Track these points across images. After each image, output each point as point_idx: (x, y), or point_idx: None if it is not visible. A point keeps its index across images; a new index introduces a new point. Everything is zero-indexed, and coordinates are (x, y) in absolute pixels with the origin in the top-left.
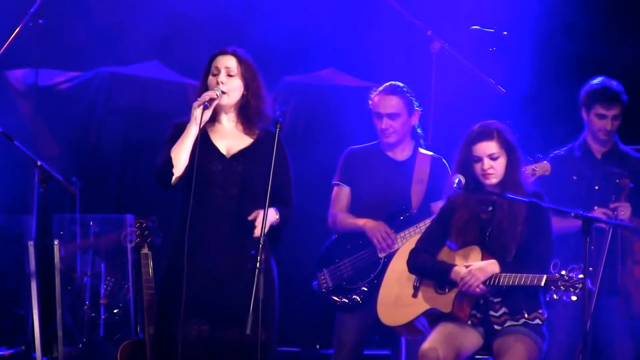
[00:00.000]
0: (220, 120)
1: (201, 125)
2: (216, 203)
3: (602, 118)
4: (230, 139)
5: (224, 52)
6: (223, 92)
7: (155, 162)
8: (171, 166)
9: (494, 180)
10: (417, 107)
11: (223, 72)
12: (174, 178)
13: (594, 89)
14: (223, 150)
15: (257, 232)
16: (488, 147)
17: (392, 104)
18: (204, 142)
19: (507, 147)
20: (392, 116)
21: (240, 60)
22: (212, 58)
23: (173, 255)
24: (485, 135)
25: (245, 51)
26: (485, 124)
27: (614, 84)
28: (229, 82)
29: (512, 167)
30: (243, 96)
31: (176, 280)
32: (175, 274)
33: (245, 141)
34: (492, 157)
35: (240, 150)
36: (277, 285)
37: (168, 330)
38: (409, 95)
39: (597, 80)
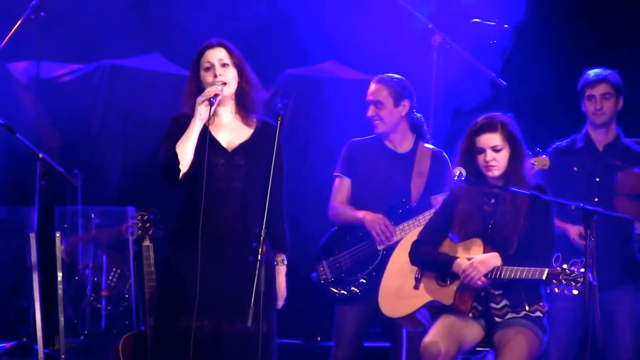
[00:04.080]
0: (218, 113)
1: (206, 120)
2: (219, 196)
3: (591, 99)
4: (229, 131)
5: (211, 46)
6: (224, 84)
7: (160, 158)
8: (177, 162)
9: (496, 172)
10: (408, 98)
11: (217, 65)
12: (181, 174)
13: (583, 76)
14: (224, 144)
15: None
16: (491, 139)
17: (377, 92)
18: (204, 136)
19: (511, 140)
20: (376, 104)
21: (229, 50)
22: (201, 53)
23: (174, 249)
24: (489, 127)
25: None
26: (489, 116)
27: (607, 71)
28: (225, 72)
29: (515, 160)
30: (239, 85)
31: (178, 274)
32: (177, 267)
33: (245, 133)
34: (495, 149)
35: (241, 143)
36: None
37: (171, 325)
38: (397, 85)
39: (589, 70)
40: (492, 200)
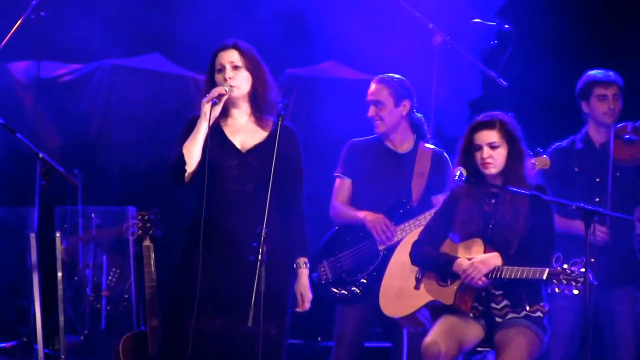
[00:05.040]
0: (233, 115)
1: (211, 121)
2: (231, 197)
3: (604, 99)
4: (244, 133)
5: (225, 47)
6: (232, 86)
7: (169, 159)
8: (184, 163)
9: (492, 170)
10: (408, 98)
11: (228, 67)
12: (186, 174)
13: (590, 76)
14: (238, 145)
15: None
16: (489, 136)
17: (377, 92)
18: (218, 137)
19: (509, 138)
20: (376, 104)
21: (242, 52)
22: (215, 54)
23: (188, 249)
24: (487, 124)
25: (246, 42)
26: (489, 114)
27: (610, 72)
28: (236, 75)
29: (513, 159)
30: (252, 87)
31: (191, 275)
32: (190, 268)
33: (259, 135)
34: (492, 146)
35: (255, 145)
36: (292, 280)
37: (182, 325)
38: (397, 85)
39: (591, 71)
40: (493, 200)
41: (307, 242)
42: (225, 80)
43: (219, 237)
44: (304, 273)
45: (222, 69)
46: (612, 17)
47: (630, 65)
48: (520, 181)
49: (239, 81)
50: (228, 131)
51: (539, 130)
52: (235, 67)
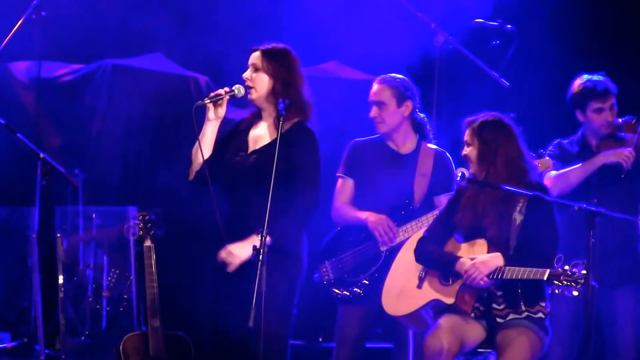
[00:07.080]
0: (262, 116)
1: (217, 121)
2: (236, 196)
3: (600, 112)
4: (260, 135)
5: (255, 49)
6: (250, 87)
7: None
8: (189, 162)
9: (471, 166)
10: (410, 99)
11: (250, 69)
12: (189, 171)
13: (583, 88)
14: (250, 146)
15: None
16: (466, 134)
17: (379, 92)
18: (240, 136)
19: (480, 139)
20: (378, 104)
21: (265, 55)
22: (249, 55)
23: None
24: (467, 123)
25: (280, 46)
26: (482, 114)
27: (600, 77)
28: (254, 77)
29: (483, 158)
30: (271, 90)
31: (215, 275)
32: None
33: (270, 138)
34: (467, 144)
35: (263, 145)
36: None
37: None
38: (400, 85)
39: (583, 78)
40: (495, 201)
41: (284, 238)
42: (245, 81)
43: (232, 236)
44: (250, 239)
45: (247, 69)
46: (614, 16)
47: (631, 64)
48: (504, 181)
49: (255, 83)
50: (252, 132)
51: (541, 130)
52: (256, 70)
